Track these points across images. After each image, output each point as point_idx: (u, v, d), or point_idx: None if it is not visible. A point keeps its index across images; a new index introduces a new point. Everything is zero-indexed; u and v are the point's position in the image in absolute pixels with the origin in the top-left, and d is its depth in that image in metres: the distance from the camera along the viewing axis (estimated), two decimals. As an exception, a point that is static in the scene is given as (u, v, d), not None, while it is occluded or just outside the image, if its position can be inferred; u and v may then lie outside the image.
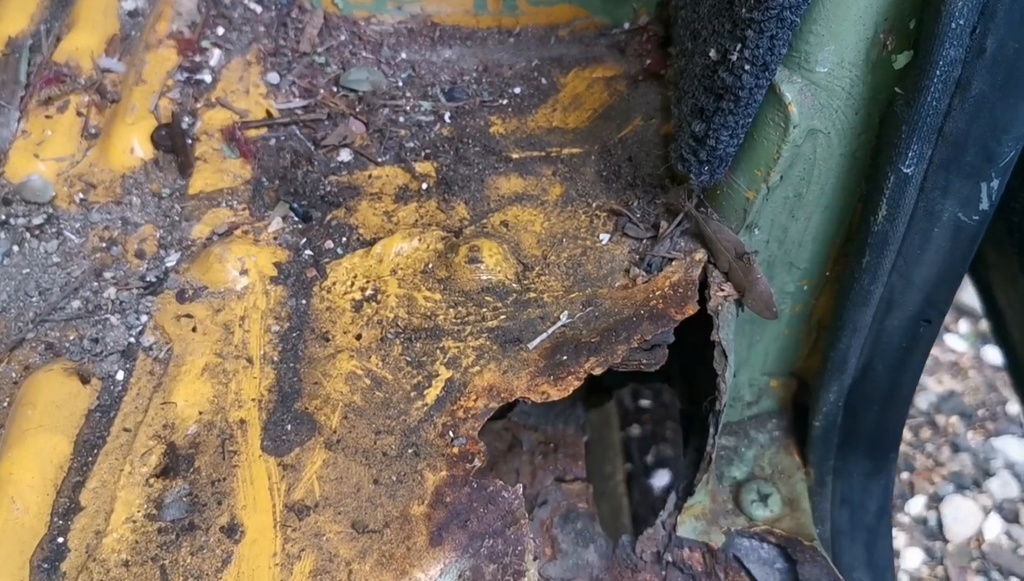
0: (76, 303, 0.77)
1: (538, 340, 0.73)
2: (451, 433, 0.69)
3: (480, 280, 0.76)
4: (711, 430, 0.80)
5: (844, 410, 0.87)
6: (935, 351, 2.21)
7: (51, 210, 0.83)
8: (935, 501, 1.87)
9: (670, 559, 0.85)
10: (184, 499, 0.66)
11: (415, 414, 0.70)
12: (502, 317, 0.75)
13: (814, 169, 0.71)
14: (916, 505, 1.86)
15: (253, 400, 0.71)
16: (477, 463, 0.67)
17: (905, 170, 0.66)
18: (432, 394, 0.71)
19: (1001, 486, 1.88)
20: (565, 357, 0.72)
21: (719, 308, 0.75)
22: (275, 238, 0.81)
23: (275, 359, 0.74)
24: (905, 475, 1.91)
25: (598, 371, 0.72)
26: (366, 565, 0.63)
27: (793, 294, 0.83)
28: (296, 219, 0.82)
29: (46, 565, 0.64)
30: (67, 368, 0.72)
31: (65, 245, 0.81)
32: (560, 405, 0.98)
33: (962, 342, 2.24)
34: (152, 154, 0.86)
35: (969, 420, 1.99)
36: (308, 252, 0.80)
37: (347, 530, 0.65)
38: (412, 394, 0.71)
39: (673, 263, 0.76)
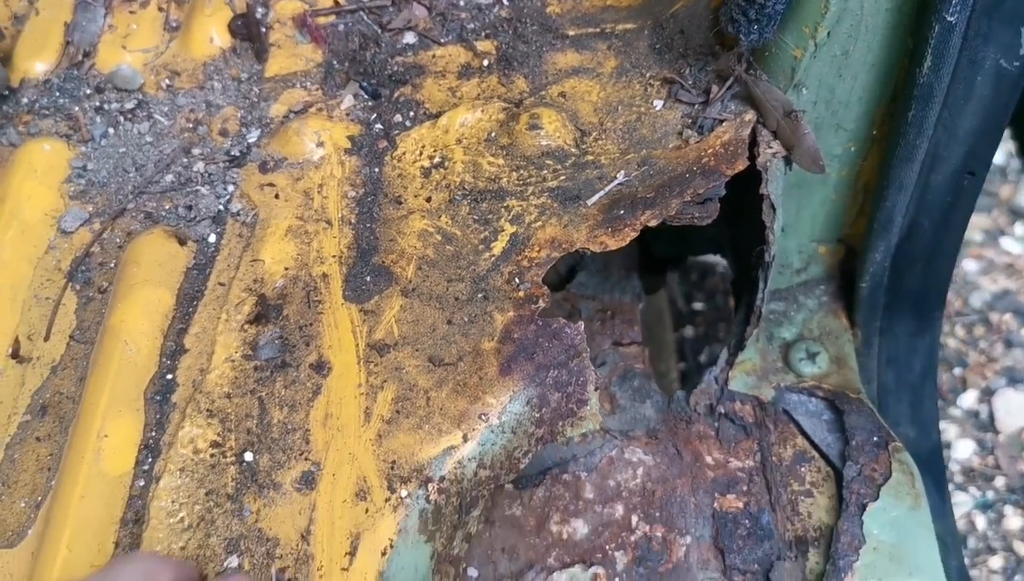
0: (169, 177, 0.84)
1: (596, 197, 0.78)
2: (517, 279, 0.74)
3: (540, 145, 0.81)
4: (760, 284, 0.85)
5: (890, 270, 0.91)
6: (990, 253, 2.21)
7: (141, 96, 0.90)
8: (987, 395, 1.90)
9: (722, 411, 0.90)
10: (276, 341, 0.73)
11: (483, 264, 0.76)
12: (562, 178, 0.80)
13: (861, 25, 0.74)
14: (968, 399, 1.89)
15: (334, 257, 0.78)
16: (541, 304, 0.73)
17: (949, 18, 0.69)
18: (498, 246, 0.77)
19: (1054, 379, 1.90)
20: (622, 211, 0.77)
21: (768, 164, 0.79)
22: (347, 114, 0.86)
23: (352, 221, 0.80)
24: (958, 371, 1.94)
25: (653, 223, 0.77)
26: (442, 393, 0.70)
27: (840, 157, 0.87)
28: (366, 97, 0.88)
29: (158, 397, 0.71)
30: (166, 231, 0.79)
31: (156, 126, 0.87)
32: (616, 276, 1.04)
33: (1018, 245, 2.24)
34: (230, 43, 0.92)
35: (1023, 318, 2.01)
36: (378, 126, 0.86)
37: (424, 364, 0.71)
38: (480, 247, 0.77)
39: (724, 124, 0.80)
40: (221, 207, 0.81)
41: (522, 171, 0.81)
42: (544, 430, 0.72)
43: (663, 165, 0.79)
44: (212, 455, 0.68)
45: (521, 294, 0.74)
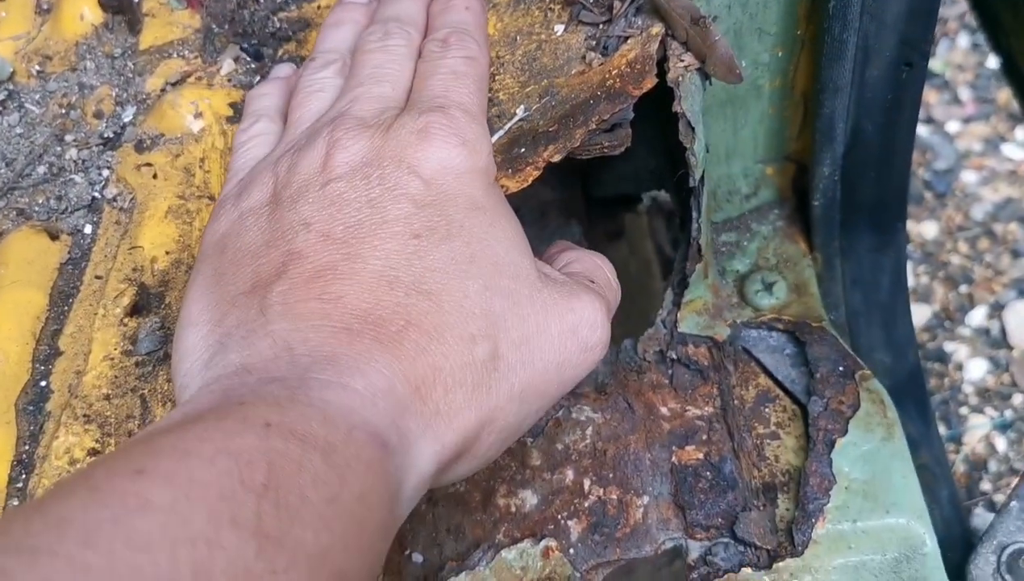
0: (41, 169, 0.77)
1: (495, 137, 0.71)
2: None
3: (433, 88, 0.74)
4: (693, 213, 0.77)
5: (841, 183, 0.83)
6: (991, 162, 2.12)
7: (11, 86, 0.83)
8: (997, 310, 1.81)
9: (674, 356, 0.83)
10: (157, 332, 0.67)
11: (375, 224, 0.69)
12: (457, 120, 0.73)
13: (759, -91, 0.66)
14: (977, 316, 1.81)
15: (217, 234, 0.71)
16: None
17: None
18: (390, 203, 0.70)
19: (1067, 286, 1.81)
20: (523, 149, 0.70)
21: (680, 79, 0.71)
22: (228, 80, 0.80)
23: (236, 193, 0.73)
24: (964, 288, 1.85)
25: (556, 158, 0.69)
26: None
27: (769, 64, 0.79)
28: (248, 59, 0.81)
29: (31, 407, 0.65)
30: (34, 227, 0.73)
31: (27, 117, 0.81)
32: (554, 224, 0.97)
33: (1020, 150, 2.14)
34: (102, 18, 0.85)
35: (1029, 225, 1.91)
36: (262, 88, 0.79)
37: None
38: (371, 206, 0.70)
39: (629, 41, 0.73)
40: (96, 194, 0.75)
41: (414, 118, 0.74)
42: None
43: (566, 94, 0.72)
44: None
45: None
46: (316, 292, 0.49)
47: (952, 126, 2.20)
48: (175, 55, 0.82)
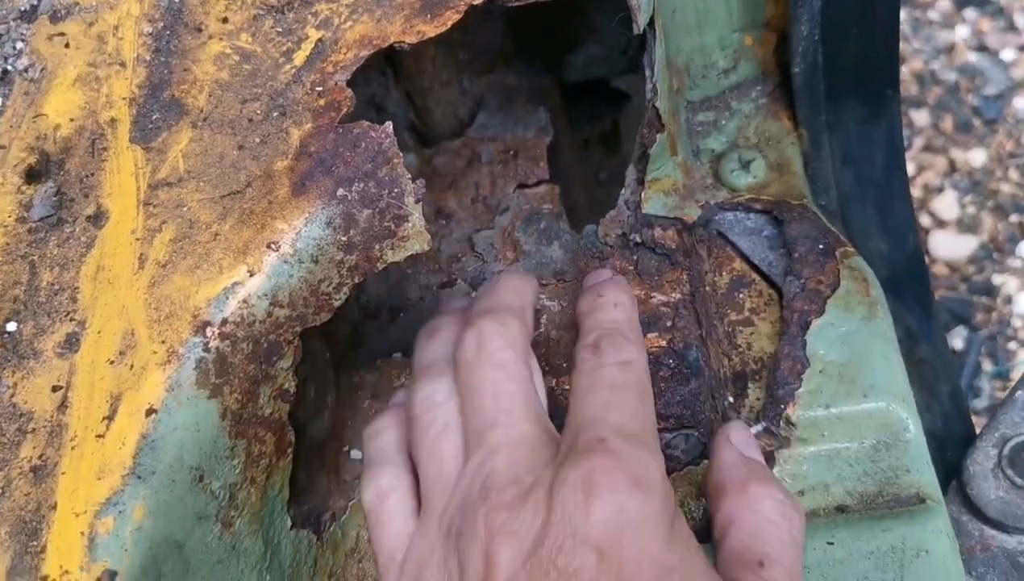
0: (-40, 48, 0.74)
1: (415, -17, 0.65)
2: (319, 88, 0.62)
3: (356, -61, 0.68)
4: (647, 71, 0.70)
5: (822, 45, 0.75)
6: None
7: (-59, -30, 0.80)
8: (1050, 240, 1.68)
9: (638, 240, 0.76)
10: (52, 198, 0.63)
11: (283, 78, 0.63)
12: (379, -31, 0.67)
13: None
14: (1028, 247, 1.68)
15: (123, 99, 0.66)
16: (344, 110, 0.61)
17: None
18: (301, 56, 0.64)
19: None
20: (445, -7, 0.64)
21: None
22: (151, -53, 0.75)
23: (147, 59, 0.68)
24: (1014, 217, 1.73)
25: (478, 1, 0.63)
26: (226, 225, 0.58)
27: (732, -93, 0.71)
28: (174, -74, 0.76)
29: (-81, 276, 0.62)
30: (-59, 99, 0.69)
31: (-48, -2, 0.77)
32: (520, 111, 0.90)
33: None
34: None
35: (1087, 149, 1.77)
36: (184, -47, 0.74)
37: (208, 197, 0.60)
38: (281, 60, 0.64)
39: None
40: (9, 67, 0.71)
41: (335, -30, 0.68)
42: (357, 256, 0.59)
43: (496, -66, 0.65)
44: (-30, 331, 0.58)
45: (322, 102, 0.61)
46: None
47: (1007, 54, 2.06)
48: (100, -73, 0.78)
